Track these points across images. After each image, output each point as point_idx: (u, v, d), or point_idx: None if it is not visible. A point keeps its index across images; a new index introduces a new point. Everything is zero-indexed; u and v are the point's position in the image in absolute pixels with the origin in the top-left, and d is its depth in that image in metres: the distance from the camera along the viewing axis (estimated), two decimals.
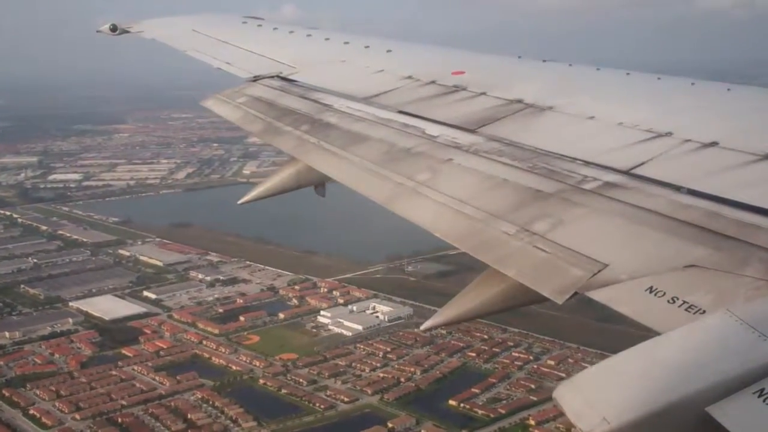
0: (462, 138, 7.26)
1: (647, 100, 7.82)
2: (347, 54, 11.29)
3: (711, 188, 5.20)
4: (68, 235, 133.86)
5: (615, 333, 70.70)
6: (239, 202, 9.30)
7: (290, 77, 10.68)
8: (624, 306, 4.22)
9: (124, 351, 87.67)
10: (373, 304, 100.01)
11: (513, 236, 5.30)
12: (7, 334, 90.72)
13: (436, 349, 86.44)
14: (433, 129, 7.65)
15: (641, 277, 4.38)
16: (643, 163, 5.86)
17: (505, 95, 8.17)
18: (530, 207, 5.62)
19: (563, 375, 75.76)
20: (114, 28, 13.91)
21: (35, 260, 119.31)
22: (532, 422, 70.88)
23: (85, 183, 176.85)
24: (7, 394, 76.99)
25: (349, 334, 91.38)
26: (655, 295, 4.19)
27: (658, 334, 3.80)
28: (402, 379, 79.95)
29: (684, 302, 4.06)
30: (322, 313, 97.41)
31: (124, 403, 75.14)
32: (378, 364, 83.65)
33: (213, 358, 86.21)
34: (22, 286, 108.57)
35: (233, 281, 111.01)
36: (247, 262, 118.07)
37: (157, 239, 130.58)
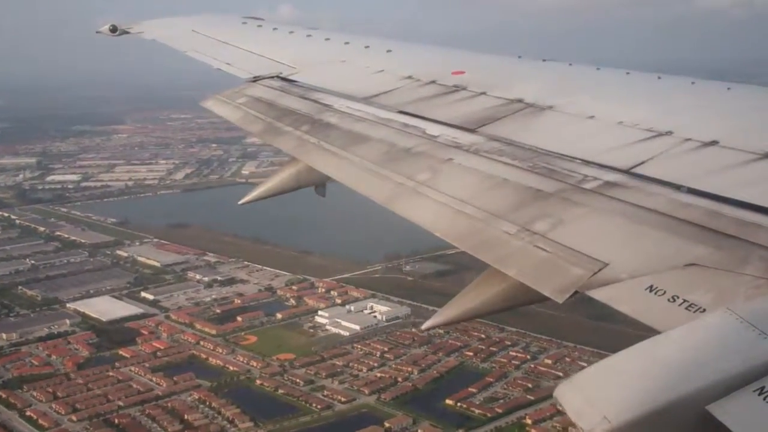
0: (462, 138, 7.27)
1: (647, 100, 7.83)
2: (347, 54, 11.28)
3: (711, 187, 5.21)
4: (66, 236, 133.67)
5: (612, 332, 70.93)
6: (240, 202, 9.27)
7: (290, 77, 10.67)
8: (624, 305, 4.23)
9: (121, 352, 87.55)
10: (371, 303, 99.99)
11: (513, 236, 5.31)
12: (4, 335, 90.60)
13: (434, 349, 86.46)
14: (433, 129, 7.66)
15: (641, 276, 4.38)
16: (643, 162, 5.87)
17: (505, 95, 8.18)
18: (530, 206, 5.62)
19: (560, 374, 75.92)
20: (114, 29, 13.88)
21: (33, 261, 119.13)
22: (529, 421, 70.95)
23: (84, 184, 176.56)
24: (3, 396, 76.90)
25: (347, 334, 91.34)
26: (656, 293, 4.19)
27: (658, 332, 3.80)
28: (399, 379, 79.94)
29: (684, 301, 4.06)
30: (319, 313, 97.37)
31: (120, 404, 75.07)
32: (375, 364, 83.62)
33: (210, 359, 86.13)
34: (19, 287, 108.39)
35: (231, 281, 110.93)
36: (245, 263, 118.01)
37: (155, 240, 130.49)
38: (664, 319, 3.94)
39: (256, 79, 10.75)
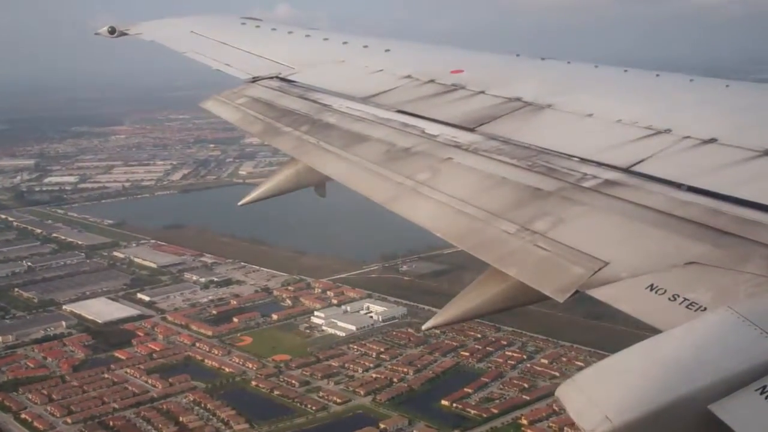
0: (461, 137, 7.27)
1: (646, 97, 7.83)
2: (346, 54, 11.27)
3: (711, 185, 5.21)
4: (63, 237, 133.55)
5: (608, 331, 71.16)
6: (240, 203, 9.19)
7: (289, 78, 10.65)
8: (624, 304, 4.23)
9: (116, 354, 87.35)
10: (367, 304, 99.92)
11: (513, 235, 5.30)
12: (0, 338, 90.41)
13: (430, 349, 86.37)
14: (432, 128, 7.65)
15: (642, 275, 4.38)
16: (642, 161, 5.86)
17: (503, 93, 8.18)
18: (530, 205, 5.62)
19: (556, 374, 75.98)
20: (112, 31, 13.83)
21: (29, 263, 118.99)
22: (525, 421, 70.91)
23: (81, 185, 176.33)
24: None
25: (343, 334, 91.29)
26: (656, 292, 4.19)
27: (659, 331, 3.80)
28: (395, 380, 79.85)
29: (685, 299, 4.06)
30: (315, 313, 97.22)
31: (116, 406, 74.91)
32: (371, 365, 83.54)
33: (206, 360, 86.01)
34: (16, 289, 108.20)
35: (227, 282, 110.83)
36: (242, 263, 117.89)
37: (152, 241, 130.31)
38: (665, 318, 3.94)
39: (255, 80, 10.73)
